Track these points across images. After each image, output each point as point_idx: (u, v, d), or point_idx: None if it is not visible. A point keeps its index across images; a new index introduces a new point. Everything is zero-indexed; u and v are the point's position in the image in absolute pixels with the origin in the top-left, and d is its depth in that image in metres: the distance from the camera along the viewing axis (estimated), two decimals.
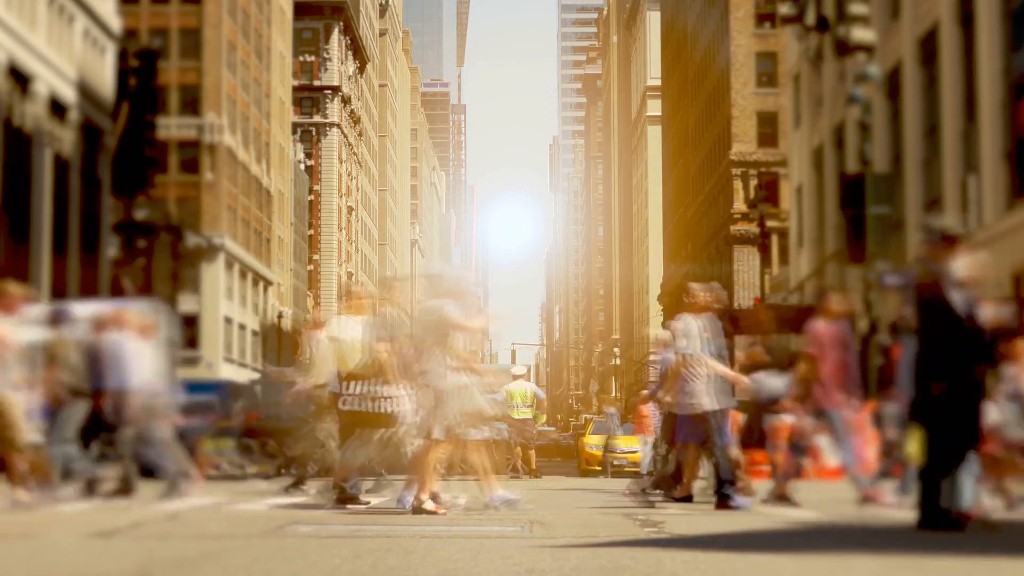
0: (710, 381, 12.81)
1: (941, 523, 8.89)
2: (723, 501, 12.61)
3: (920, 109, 35.34)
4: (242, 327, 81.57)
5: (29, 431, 12.61)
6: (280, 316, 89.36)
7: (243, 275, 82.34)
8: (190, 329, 71.73)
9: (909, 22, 35.87)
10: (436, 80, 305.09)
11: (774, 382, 14.27)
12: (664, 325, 15.69)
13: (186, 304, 69.05)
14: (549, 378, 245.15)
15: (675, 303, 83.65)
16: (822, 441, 14.86)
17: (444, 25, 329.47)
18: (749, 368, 14.48)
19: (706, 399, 12.82)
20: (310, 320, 15.22)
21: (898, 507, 12.17)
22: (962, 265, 9.04)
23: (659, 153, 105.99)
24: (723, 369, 12.97)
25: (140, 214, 56.03)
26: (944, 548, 7.91)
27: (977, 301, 9.08)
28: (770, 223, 46.77)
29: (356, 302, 13.35)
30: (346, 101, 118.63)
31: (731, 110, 67.75)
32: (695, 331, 12.81)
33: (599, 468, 31.56)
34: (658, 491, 14.87)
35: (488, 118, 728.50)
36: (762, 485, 14.49)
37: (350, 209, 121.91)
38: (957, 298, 8.97)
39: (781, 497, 13.16)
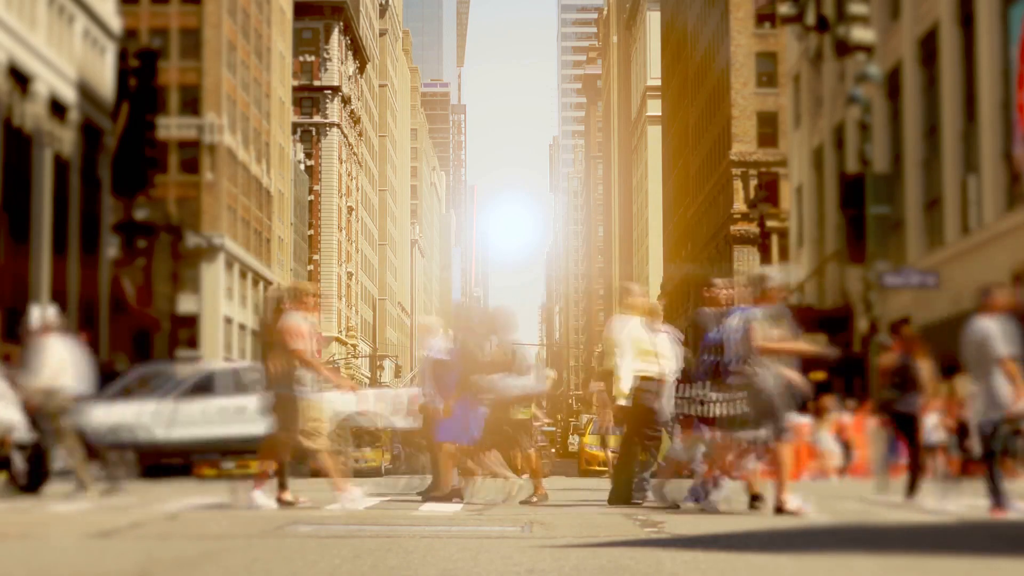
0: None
1: None
2: (998, 505, 11.90)
3: (920, 109, 35.34)
4: (242, 327, 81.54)
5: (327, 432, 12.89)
6: None
7: (243, 275, 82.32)
8: (190, 329, 71.73)
9: (909, 22, 35.87)
10: (436, 80, 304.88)
11: (510, 382, 14.15)
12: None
13: (186, 304, 69.03)
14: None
15: (674, 303, 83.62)
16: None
17: (444, 25, 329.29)
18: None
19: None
20: (42, 325, 14.73)
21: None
22: None
23: (659, 153, 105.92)
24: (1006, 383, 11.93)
25: (140, 214, 56.12)
26: (944, 548, 7.91)
27: None
28: (770, 223, 46.75)
29: (634, 301, 13.62)
30: (346, 101, 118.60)
31: (731, 110, 67.73)
32: (999, 334, 11.88)
33: (599, 468, 31.51)
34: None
35: (488, 118, 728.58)
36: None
37: (350, 209, 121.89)
38: None
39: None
